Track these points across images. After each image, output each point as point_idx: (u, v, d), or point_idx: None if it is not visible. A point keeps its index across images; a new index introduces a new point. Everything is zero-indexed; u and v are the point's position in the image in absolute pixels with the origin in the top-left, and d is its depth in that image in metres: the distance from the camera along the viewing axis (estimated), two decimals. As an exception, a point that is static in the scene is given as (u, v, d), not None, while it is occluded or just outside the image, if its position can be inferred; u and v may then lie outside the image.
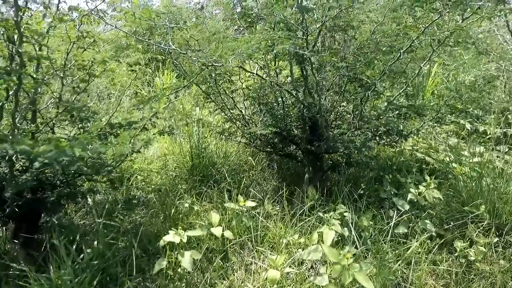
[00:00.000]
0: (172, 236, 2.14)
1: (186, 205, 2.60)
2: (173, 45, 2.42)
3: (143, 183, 3.13)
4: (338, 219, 2.35)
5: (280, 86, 2.48)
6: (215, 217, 2.38)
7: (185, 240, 2.14)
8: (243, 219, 2.53)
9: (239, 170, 3.60)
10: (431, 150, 3.27)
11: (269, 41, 2.19)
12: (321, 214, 2.51)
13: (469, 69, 4.61)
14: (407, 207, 2.49)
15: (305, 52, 2.12)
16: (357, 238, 2.32)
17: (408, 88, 2.63)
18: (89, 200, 2.66)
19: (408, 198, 2.55)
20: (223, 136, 3.46)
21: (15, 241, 2.23)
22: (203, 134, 3.62)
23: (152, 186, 2.96)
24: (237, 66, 2.33)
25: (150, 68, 5.54)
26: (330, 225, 2.25)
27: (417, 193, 2.54)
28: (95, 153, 2.00)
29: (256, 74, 2.41)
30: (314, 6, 2.37)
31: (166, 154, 3.62)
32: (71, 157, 1.63)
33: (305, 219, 2.58)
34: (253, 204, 2.56)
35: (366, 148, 2.29)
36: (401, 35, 2.33)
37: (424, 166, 3.25)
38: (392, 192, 2.74)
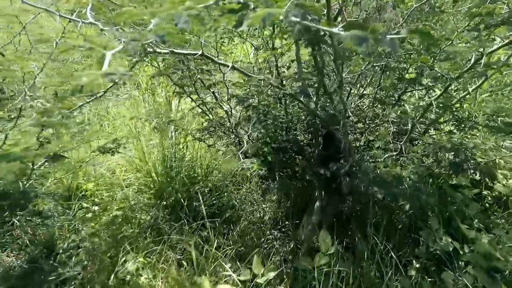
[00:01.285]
0: None
1: (131, 267, 1.71)
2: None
3: (89, 217, 2.23)
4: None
5: (279, 87, 1.50)
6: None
7: None
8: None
9: (225, 190, 2.69)
10: (498, 171, 2.30)
11: None
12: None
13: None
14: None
15: (324, 28, 1.10)
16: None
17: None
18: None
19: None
20: (204, 143, 2.51)
21: None
22: (178, 139, 2.68)
23: (91, 227, 2.06)
24: (199, 54, 1.35)
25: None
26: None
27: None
28: None
29: (233, 67, 1.43)
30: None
31: (127, 171, 2.69)
32: None
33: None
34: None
35: (417, 192, 1.35)
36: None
37: (485, 192, 2.29)
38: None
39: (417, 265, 1.71)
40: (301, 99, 1.54)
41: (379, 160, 1.65)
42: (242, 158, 2.35)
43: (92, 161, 1.88)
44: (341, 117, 1.54)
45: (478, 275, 1.53)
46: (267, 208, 2.81)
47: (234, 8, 0.73)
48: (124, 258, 1.74)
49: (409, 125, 1.50)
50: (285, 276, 1.82)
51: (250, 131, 1.76)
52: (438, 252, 1.78)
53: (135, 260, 1.73)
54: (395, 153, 1.64)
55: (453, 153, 1.46)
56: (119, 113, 4.14)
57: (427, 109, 1.42)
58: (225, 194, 2.76)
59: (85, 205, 2.31)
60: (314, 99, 1.65)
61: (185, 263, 1.88)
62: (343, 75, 1.54)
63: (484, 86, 3.13)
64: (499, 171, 2.40)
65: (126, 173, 2.65)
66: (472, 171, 1.50)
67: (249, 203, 2.83)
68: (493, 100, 1.99)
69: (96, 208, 2.32)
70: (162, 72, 2.28)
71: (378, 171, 1.53)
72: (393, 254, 1.75)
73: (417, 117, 1.47)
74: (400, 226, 2.15)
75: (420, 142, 1.63)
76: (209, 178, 2.77)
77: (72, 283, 1.78)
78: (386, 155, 1.66)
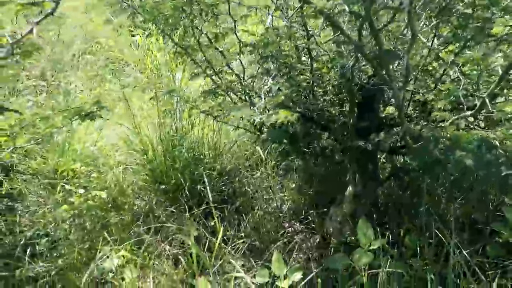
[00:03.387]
0: None
1: (108, 265, 1.29)
2: None
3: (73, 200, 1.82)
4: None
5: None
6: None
7: None
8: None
9: (236, 174, 2.26)
10: None
11: None
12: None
13: None
14: None
15: None
16: None
17: None
18: None
19: None
20: (211, 117, 2.08)
21: None
22: (181, 113, 2.26)
23: (71, 212, 1.65)
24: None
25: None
26: None
27: None
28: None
29: None
30: None
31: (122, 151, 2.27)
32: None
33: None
34: None
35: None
36: None
37: None
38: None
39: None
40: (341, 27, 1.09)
41: (446, 124, 1.19)
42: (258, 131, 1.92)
43: (69, 135, 1.49)
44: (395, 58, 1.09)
45: None
46: (286, 197, 2.37)
47: None
48: (101, 253, 1.32)
49: (499, 68, 1.04)
50: (315, 279, 1.37)
51: (269, 86, 1.32)
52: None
53: (117, 253, 1.31)
54: (469, 113, 1.17)
55: None
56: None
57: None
58: (237, 179, 2.33)
59: (67, 187, 1.92)
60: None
61: (183, 260, 1.45)
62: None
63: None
64: None
65: (120, 151, 2.24)
66: None
67: (265, 191, 2.39)
68: None
69: (82, 191, 1.92)
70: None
71: (451, 135, 1.07)
72: (463, 251, 1.28)
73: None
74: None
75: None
76: (218, 161, 2.34)
77: (39, 282, 1.38)
78: (456, 117, 1.20)
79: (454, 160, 0.93)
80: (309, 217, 2.16)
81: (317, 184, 2.28)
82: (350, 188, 1.89)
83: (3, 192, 1.84)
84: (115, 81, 3.69)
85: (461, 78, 1.36)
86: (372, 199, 1.90)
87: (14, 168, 2.30)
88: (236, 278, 1.31)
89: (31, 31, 0.96)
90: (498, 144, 0.98)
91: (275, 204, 2.31)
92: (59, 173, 2.14)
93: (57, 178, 2.11)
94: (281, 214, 2.21)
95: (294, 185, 2.45)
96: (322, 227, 1.99)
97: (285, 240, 2.01)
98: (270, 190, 2.44)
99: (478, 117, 1.32)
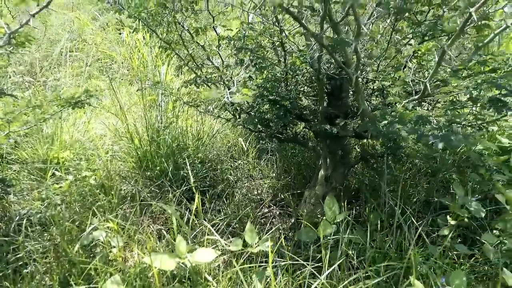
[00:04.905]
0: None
1: (97, 234, 1.41)
2: None
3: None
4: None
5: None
6: None
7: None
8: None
9: (218, 161, 2.40)
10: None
11: None
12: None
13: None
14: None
15: None
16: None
17: None
18: None
19: None
20: (194, 108, 2.21)
21: None
22: (166, 104, 2.39)
23: (61, 195, 1.77)
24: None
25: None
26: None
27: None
28: None
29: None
30: None
31: (110, 139, 2.39)
32: None
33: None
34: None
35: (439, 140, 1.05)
36: None
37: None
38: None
39: (446, 232, 1.42)
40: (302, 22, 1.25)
41: (397, 106, 1.36)
42: (237, 117, 2.06)
43: (57, 114, 1.60)
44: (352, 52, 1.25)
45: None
46: (266, 184, 2.53)
47: None
48: (91, 225, 1.45)
49: (435, 57, 1.21)
50: (284, 248, 1.53)
51: (241, 75, 1.47)
52: (466, 220, 1.49)
53: (104, 225, 1.44)
54: (417, 97, 1.34)
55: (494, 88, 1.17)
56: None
57: (462, 29, 1.13)
58: (219, 167, 2.47)
59: (57, 173, 2.03)
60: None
61: (166, 235, 1.59)
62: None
63: None
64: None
65: (108, 140, 2.36)
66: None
67: (246, 178, 2.54)
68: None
69: (70, 177, 2.03)
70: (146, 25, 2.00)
71: (398, 113, 1.23)
72: (414, 221, 1.45)
73: (450, 41, 1.17)
74: (419, 195, 1.86)
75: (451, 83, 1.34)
76: (200, 150, 2.48)
77: (33, 257, 1.50)
78: (406, 100, 1.37)
79: (392, 132, 1.09)
80: (286, 201, 2.32)
81: (294, 170, 2.44)
82: (321, 172, 2.05)
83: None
84: (103, 78, 3.80)
85: (410, 66, 1.54)
86: (341, 181, 2.07)
87: (4, 158, 2.41)
88: (211, 243, 1.45)
89: (27, 22, 1.08)
90: (435, 121, 1.14)
91: (256, 191, 2.47)
92: (49, 161, 2.25)
93: (47, 168, 2.22)
94: (261, 200, 2.36)
95: (274, 174, 2.61)
96: (297, 210, 2.15)
97: (263, 222, 2.17)
98: (251, 178, 2.60)
99: (427, 100, 1.50)
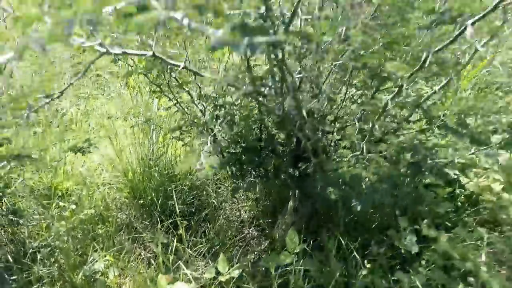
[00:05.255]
0: None
1: (98, 266, 1.73)
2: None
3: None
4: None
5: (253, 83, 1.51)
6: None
7: None
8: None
9: (204, 188, 2.71)
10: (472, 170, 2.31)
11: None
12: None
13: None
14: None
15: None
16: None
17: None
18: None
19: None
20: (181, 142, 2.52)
21: None
22: (157, 138, 2.70)
23: (66, 225, 2.07)
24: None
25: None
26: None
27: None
28: None
29: (185, 67, 1.44)
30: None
31: (107, 171, 2.70)
32: None
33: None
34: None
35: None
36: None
37: (457, 191, 2.30)
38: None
39: (368, 266, 1.73)
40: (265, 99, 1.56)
41: (345, 160, 1.67)
42: (205, 158, 2.36)
43: (63, 160, 1.90)
44: (298, 117, 1.55)
45: (436, 274, 1.54)
46: (246, 207, 2.83)
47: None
48: (92, 257, 1.76)
49: (370, 124, 1.51)
50: (252, 276, 1.84)
51: (215, 131, 1.78)
52: (403, 252, 1.80)
53: (104, 258, 1.75)
54: (358, 153, 1.65)
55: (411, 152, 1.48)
56: (107, 111, 4.15)
57: (384, 108, 1.44)
58: (204, 192, 2.78)
59: (61, 204, 2.33)
60: (280, 99, 1.66)
61: (153, 262, 1.90)
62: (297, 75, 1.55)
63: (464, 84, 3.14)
64: (473, 169, 2.42)
65: (105, 172, 2.67)
66: (427, 172, 1.51)
67: (228, 202, 2.84)
68: (467, 99, 1.99)
69: (74, 207, 2.34)
70: (137, 71, 2.29)
71: (340, 171, 1.54)
72: (355, 254, 1.77)
73: (377, 116, 1.48)
74: (372, 226, 2.17)
75: (388, 141, 1.64)
76: (188, 177, 2.79)
77: (43, 281, 1.81)
78: (351, 155, 1.67)
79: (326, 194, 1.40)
80: (263, 225, 2.63)
81: (274, 193, 2.75)
82: (290, 203, 2.35)
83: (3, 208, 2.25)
84: (101, 97, 4.11)
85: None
86: (309, 212, 2.37)
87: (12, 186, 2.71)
88: (186, 275, 1.75)
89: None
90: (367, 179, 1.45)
91: (237, 214, 2.77)
92: (54, 190, 2.55)
93: (51, 195, 2.52)
94: (241, 223, 2.67)
95: (256, 196, 2.91)
96: (271, 234, 2.46)
97: (242, 244, 2.47)
98: (235, 201, 2.90)
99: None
